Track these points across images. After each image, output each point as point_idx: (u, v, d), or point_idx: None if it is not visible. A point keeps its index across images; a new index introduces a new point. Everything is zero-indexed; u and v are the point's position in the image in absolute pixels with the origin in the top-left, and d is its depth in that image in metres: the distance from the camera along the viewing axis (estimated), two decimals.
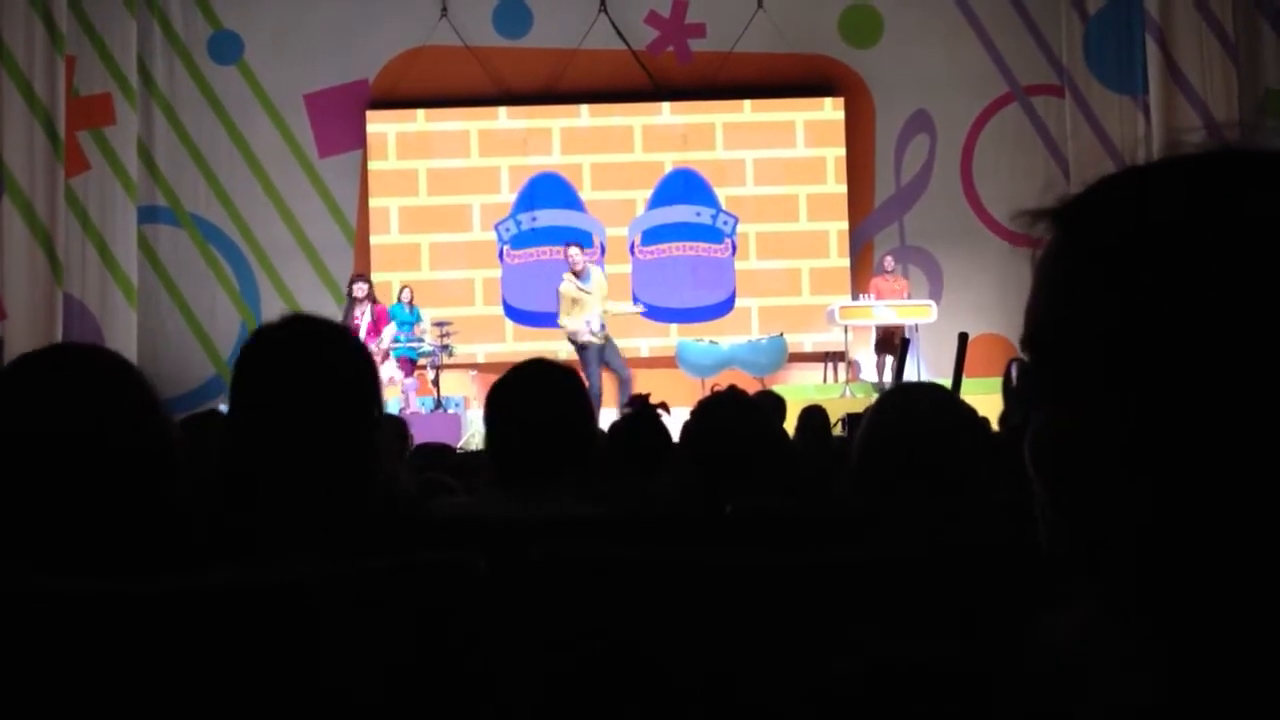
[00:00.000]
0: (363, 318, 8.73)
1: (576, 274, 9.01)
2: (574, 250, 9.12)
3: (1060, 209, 0.62)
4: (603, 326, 8.96)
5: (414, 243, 11.15)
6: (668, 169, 11.23)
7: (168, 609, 1.09)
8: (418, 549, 1.08)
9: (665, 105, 11.25)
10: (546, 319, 9.76)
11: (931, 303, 10.30)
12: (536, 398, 1.92)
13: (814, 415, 4.70)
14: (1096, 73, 10.97)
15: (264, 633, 1.07)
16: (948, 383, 4.95)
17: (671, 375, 9.90)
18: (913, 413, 1.72)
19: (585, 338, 8.86)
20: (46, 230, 9.94)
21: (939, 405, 1.76)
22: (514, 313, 10.99)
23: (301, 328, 1.42)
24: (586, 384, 2.02)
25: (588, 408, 1.98)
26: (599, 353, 8.94)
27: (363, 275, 9.30)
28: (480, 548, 1.10)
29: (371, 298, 8.94)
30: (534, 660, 1.12)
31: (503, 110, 11.23)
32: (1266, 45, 9.22)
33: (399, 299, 10.14)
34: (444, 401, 9.76)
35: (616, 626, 1.13)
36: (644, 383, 8.03)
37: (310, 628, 1.09)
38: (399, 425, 3.60)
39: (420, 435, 5.76)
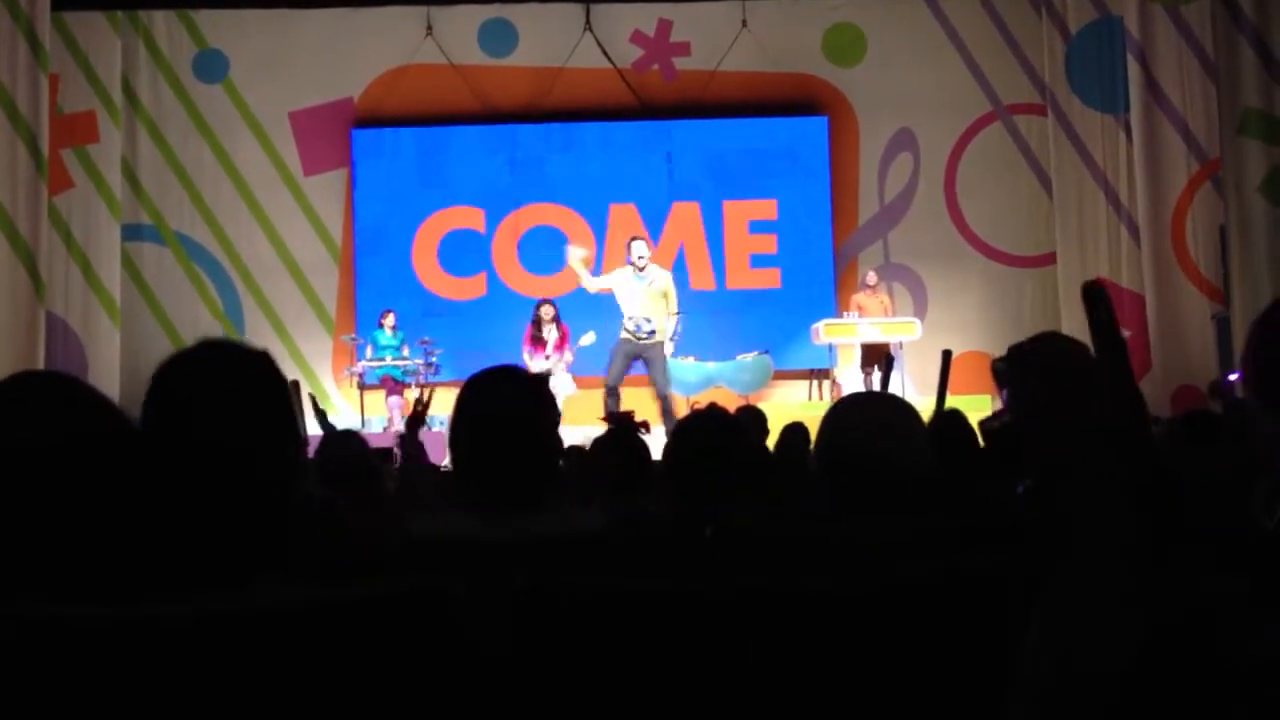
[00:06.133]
0: (550, 335, 9.32)
1: (639, 269, 8.69)
2: (637, 243, 8.82)
3: None
4: (639, 329, 8.57)
5: (398, 260, 11.13)
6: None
7: (152, 637, 1.08)
8: (391, 572, 1.08)
9: (650, 123, 11.28)
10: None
11: (916, 320, 10.33)
12: (498, 410, 1.89)
13: (793, 433, 4.73)
14: (1078, 92, 11.04)
15: (240, 662, 1.07)
16: (932, 399, 4.96)
17: None
18: (856, 409, 1.74)
19: (623, 332, 8.66)
20: (29, 248, 9.88)
21: (880, 403, 1.77)
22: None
23: (215, 352, 1.45)
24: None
25: (551, 417, 1.94)
26: (632, 353, 8.62)
27: (548, 300, 9.55)
28: (454, 570, 1.10)
29: (557, 319, 9.44)
30: (512, 686, 1.12)
31: (488, 128, 11.24)
32: (1246, 64, 9.28)
33: (380, 324, 10.13)
34: (429, 421, 9.72)
35: (596, 655, 1.13)
36: (629, 401, 8.01)
37: (288, 656, 1.08)
38: (356, 441, 3.56)
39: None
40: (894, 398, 1.99)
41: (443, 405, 10.24)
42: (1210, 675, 0.79)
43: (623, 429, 3.00)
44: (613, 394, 8.51)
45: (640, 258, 8.73)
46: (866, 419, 1.78)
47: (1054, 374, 0.67)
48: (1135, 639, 0.64)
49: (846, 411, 1.83)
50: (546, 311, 9.46)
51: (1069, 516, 0.66)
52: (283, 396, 1.43)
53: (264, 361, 1.45)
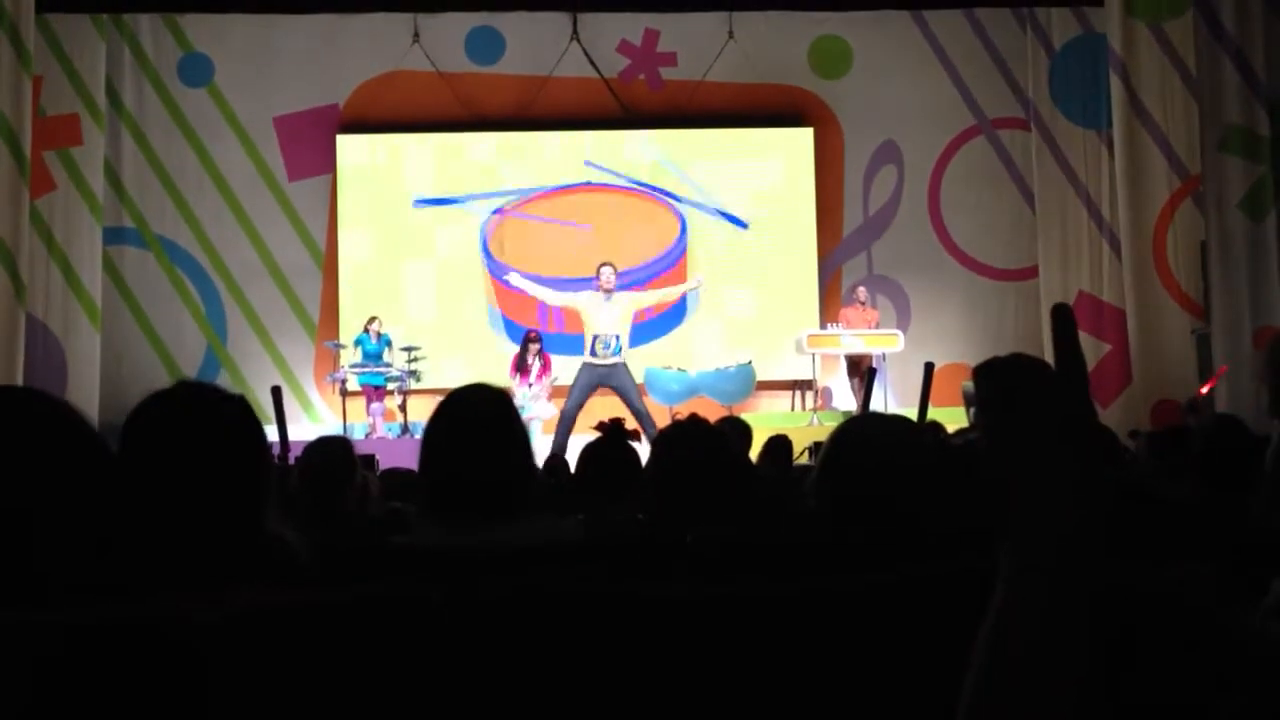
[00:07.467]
0: (534, 363, 9.70)
1: (607, 292, 9.00)
2: (606, 270, 9.05)
3: None
4: (607, 347, 8.83)
5: (382, 267, 11.11)
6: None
7: (123, 641, 1.07)
8: (366, 581, 1.08)
9: (636, 133, 11.30)
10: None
11: (898, 332, 10.37)
12: (464, 429, 1.93)
13: (776, 443, 4.75)
14: (1061, 107, 11.12)
15: (205, 666, 1.06)
16: (914, 411, 4.98)
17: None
18: (867, 445, 1.72)
19: (586, 356, 8.92)
20: (10, 250, 9.82)
21: (893, 437, 1.76)
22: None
23: (189, 392, 1.50)
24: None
25: (520, 436, 1.97)
26: (594, 382, 8.83)
27: (535, 331, 9.90)
28: (429, 578, 1.10)
29: (541, 350, 9.79)
30: (484, 695, 1.11)
31: (474, 136, 11.24)
32: (1228, 81, 9.36)
33: (366, 330, 10.10)
34: (411, 427, 9.72)
35: (570, 660, 1.13)
36: (614, 409, 8.02)
37: (256, 661, 1.07)
38: (345, 446, 3.54)
39: (386, 461, 5.73)
40: (913, 428, 1.94)
41: (424, 412, 10.28)
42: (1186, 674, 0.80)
43: (612, 437, 3.00)
44: (566, 421, 8.65)
45: (607, 280, 9.00)
46: (878, 457, 1.70)
47: (1015, 389, 0.67)
48: (1086, 637, 0.65)
49: (856, 446, 1.76)
50: (533, 342, 9.83)
51: (1021, 520, 0.67)
52: (253, 441, 1.47)
53: (238, 406, 1.49)
